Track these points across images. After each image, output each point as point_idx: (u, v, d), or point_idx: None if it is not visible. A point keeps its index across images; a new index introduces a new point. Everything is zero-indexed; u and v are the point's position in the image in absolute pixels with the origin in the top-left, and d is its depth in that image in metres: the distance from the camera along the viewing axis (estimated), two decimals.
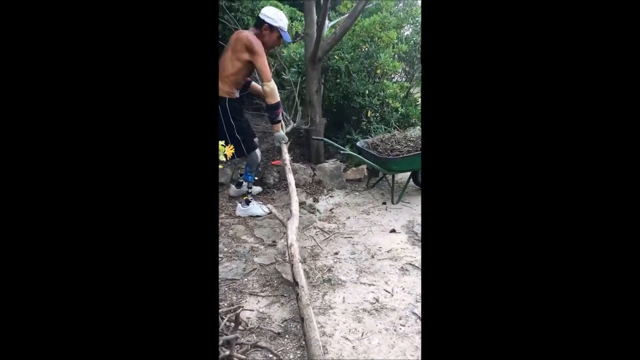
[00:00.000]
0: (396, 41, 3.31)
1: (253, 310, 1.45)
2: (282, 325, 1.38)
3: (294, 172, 2.78)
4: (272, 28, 2.01)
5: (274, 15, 2.01)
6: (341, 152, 2.60)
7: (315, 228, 2.18)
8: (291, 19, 4.00)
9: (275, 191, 2.64)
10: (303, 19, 3.15)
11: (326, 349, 1.27)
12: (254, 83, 2.32)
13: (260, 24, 2.03)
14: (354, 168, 2.94)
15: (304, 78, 3.00)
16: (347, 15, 3.04)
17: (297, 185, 2.73)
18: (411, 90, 3.78)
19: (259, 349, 1.25)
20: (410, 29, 3.82)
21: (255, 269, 1.74)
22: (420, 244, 2.02)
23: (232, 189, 2.49)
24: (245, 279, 1.66)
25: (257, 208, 2.28)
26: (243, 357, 1.14)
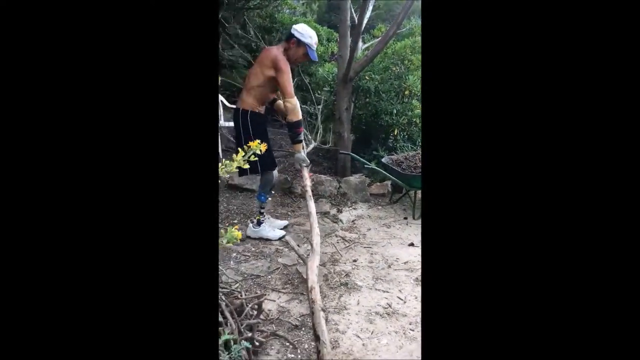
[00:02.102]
0: (411, 56, 3.42)
1: (274, 301, 1.60)
2: (300, 319, 1.50)
3: (320, 184, 2.94)
4: (299, 43, 1.99)
5: (304, 31, 1.99)
6: (366, 166, 2.73)
7: (337, 236, 2.30)
8: (328, 40, 4.26)
9: (302, 200, 2.80)
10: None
11: (338, 344, 1.38)
12: (279, 101, 2.19)
13: (289, 38, 2.02)
14: (378, 183, 3.06)
15: (334, 97, 3.18)
16: (379, 39, 3.23)
17: (322, 196, 2.89)
18: None
19: (277, 337, 1.38)
20: None
21: (279, 268, 1.89)
22: (261, 210, 2.19)
23: (250, 229, 2.19)
24: (269, 276, 1.81)
25: (269, 231, 2.17)
26: (263, 340, 1.28)
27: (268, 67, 1.94)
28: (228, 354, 1.09)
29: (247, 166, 1.00)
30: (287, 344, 1.36)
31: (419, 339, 1.42)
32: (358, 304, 1.63)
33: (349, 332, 1.45)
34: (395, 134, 3.27)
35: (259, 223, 2.16)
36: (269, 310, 1.54)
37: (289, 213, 2.64)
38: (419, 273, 1.90)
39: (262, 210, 2.18)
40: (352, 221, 2.55)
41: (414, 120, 3.29)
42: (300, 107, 3.41)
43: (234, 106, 2.47)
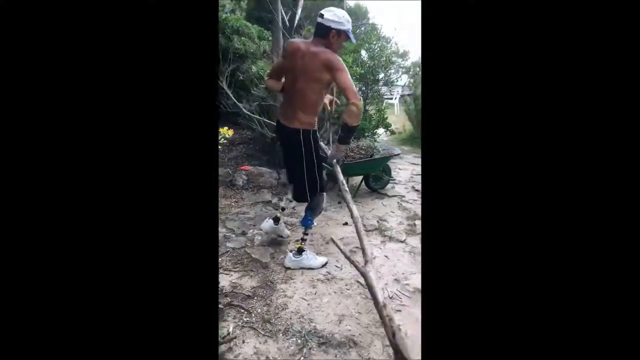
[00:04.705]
0: (352, 65, 3.78)
1: (228, 276, 1.77)
2: (252, 291, 1.70)
3: (261, 175, 3.12)
4: (339, 33, 1.65)
5: (340, 18, 1.64)
6: None
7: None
8: (259, 38, 4.40)
9: (244, 192, 2.96)
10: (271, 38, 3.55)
11: (287, 306, 1.60)
12: (271, 81, 1.89)
13: (325, 32, 1.63)
14: None
15: (269, 93, 3.37)
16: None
17: (263, 187, 3.07)
18: (366, 107, 4.27)
19: (233, 307, 1.56)
20: (367, 55, 4.35)
21: (228, 251, 2.05)
22: (367, 233, 2.42)
23: (289, 258, 1.92)
24: (220, 259, 1.96)
25: (311, 259, 1.92)
26: (221, 307, 1.45)
27: (319, 71, 1.61)
28: None
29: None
30: (243, 310, 1.55)
31: (353, 296, 1.71)
32: (302, 274, 1.87)
33: (295, 296, 1.68)
34: (327, 127, 3.56)
35: (300, 252, 1.90)
36: (223, 286, 1.70)
37: (232, 204, 2.78)
38: (352, 246, 2.21)
39: (305, 237, 1.94)
40: (293, 207, 2.79)
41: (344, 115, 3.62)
42: (236, 104, 3.52)
43: None
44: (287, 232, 2.24)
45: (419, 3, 0.65)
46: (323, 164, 1.94)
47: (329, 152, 1.95)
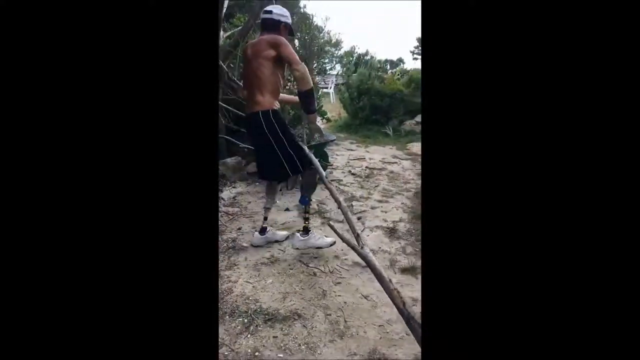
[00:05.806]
0: None
1: None
2: None
3: None
4: (286, 26, 1.91)
5: (285, 12, 1.91)
6: (241, 146, 2.98)
7: (220, 212, 2.51)
8: None
9: None
10: None
11: (232, 290, 1.64)
12: (282, 94, 1.99)
13: (277, 25, 1.87)
14: (254, 162, 3.34)
15: None
16: (239, 28, 3.45)
17: None
18: None
19: None
20: (298, 45, 4.41)
21: None
22: (306, 216, 2.53)
23: (297, 238, 2.01)
24: None
25: (319, 238, 1.99)
26: None
27: (266, 50, 1.77)
28: None
29: None
30: None
31: (297, 274, 1.80)
32: (246, 260, 1.92)
33: (240, 280, 1.73)
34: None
35: (307, 231, 1.99)
36: None
37: None
38: (294, 229, 2.29)
39: (307, 216, 2.00)
40: (233, 198, 2.79)
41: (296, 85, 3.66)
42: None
43: None
44: (280, 234, 2.13)
45: (419, 3, 0.67)
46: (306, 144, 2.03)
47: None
